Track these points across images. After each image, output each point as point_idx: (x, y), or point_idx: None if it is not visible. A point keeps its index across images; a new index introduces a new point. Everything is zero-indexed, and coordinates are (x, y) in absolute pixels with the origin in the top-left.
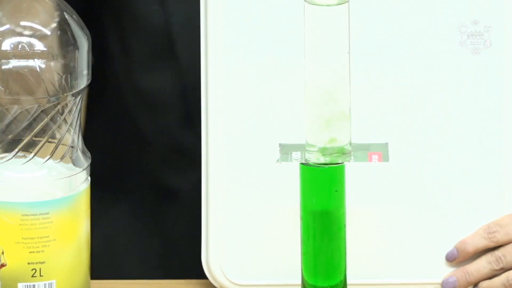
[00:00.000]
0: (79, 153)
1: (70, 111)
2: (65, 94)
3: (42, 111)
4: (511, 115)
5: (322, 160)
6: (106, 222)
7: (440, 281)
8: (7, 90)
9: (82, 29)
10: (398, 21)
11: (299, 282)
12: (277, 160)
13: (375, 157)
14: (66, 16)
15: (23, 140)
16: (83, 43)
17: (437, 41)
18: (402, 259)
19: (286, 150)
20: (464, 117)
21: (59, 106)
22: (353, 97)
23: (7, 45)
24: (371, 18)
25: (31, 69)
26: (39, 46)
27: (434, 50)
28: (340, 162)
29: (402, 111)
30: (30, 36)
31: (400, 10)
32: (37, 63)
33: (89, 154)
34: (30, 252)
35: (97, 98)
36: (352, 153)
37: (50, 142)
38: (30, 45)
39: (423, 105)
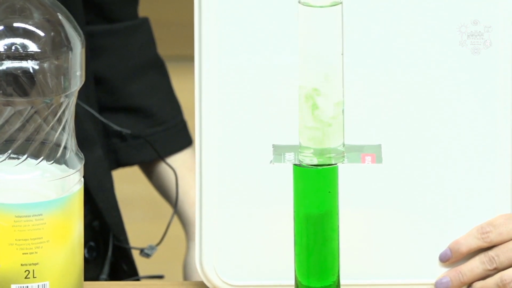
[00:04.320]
0: (72, 154)
1: (63, 112)
2: (59, 95)
3: (35, 112)
4: (510, 115)
5: (315, 161)
6: None
7: (433, 281)
8: (0, 92)
9: (75, 30)
10: (398, 21)
11: (293, 283)
12: (271, 161)
13: (368, 158)
14: (60, 17)
15: (16, 141)
16: (77, 44)
17: (437, 41)
18: (395, 259)
19: (279, 151)
20: (462, 118)
21: (52, 107)
22: (347, 98)
23: (0, 46)
24: (370, 18)
25: (25, 70)
26: (32, 47)
27: (434, 50)
28: (333, 163)
29: (397, 112)
30: (23, 37)
31: (400, 10)
32: (31, 64)
33: (82, 155)
34: (23, 254)
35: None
36: (345, 154)
37: (43, 143)
38: (24, 46)
39: (419, 106)
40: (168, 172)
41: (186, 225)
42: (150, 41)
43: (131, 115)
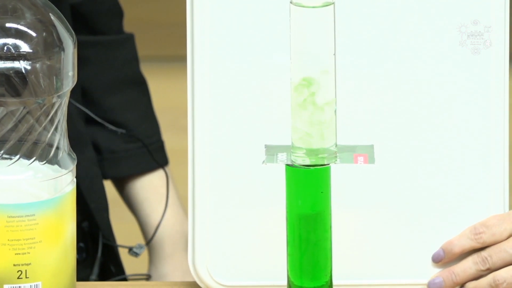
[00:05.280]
0: (65, 154)
1: (55, 112)
2: (51, 96)
3: (27, 112)
4: (507, 115)
5: (308, 161)
6: None
7: (426, 282)
8: None
9: (67, 30)
10: (396, 21)
11: (285, 283)
12: (263, 162)
13: (360, 158)
14: (52, 18)
15: (9, 142)
16: (69, 44)
17: (437, 41)
18: (388, 259)
19: (271, 151)
20: (460, 117)
21: (44, 108)
22: (340, 98)
23: None
24: (366, 19)
25: (17, 71)
26: (24, 47)
27: (434, 50)
28: (325, 163)
29: (390, 112)
30: (15, 37)
31: (399, 11)
32: (23, 65)
33: (74, 156)
34: (16, 254)
35: None
36: (337, 154)
37: (35, 143)
38: (16, 46)
39: (416, 106)
40: (137, 190)
41: (150, 249)
42: (132, 58)
43: (107, 129)
